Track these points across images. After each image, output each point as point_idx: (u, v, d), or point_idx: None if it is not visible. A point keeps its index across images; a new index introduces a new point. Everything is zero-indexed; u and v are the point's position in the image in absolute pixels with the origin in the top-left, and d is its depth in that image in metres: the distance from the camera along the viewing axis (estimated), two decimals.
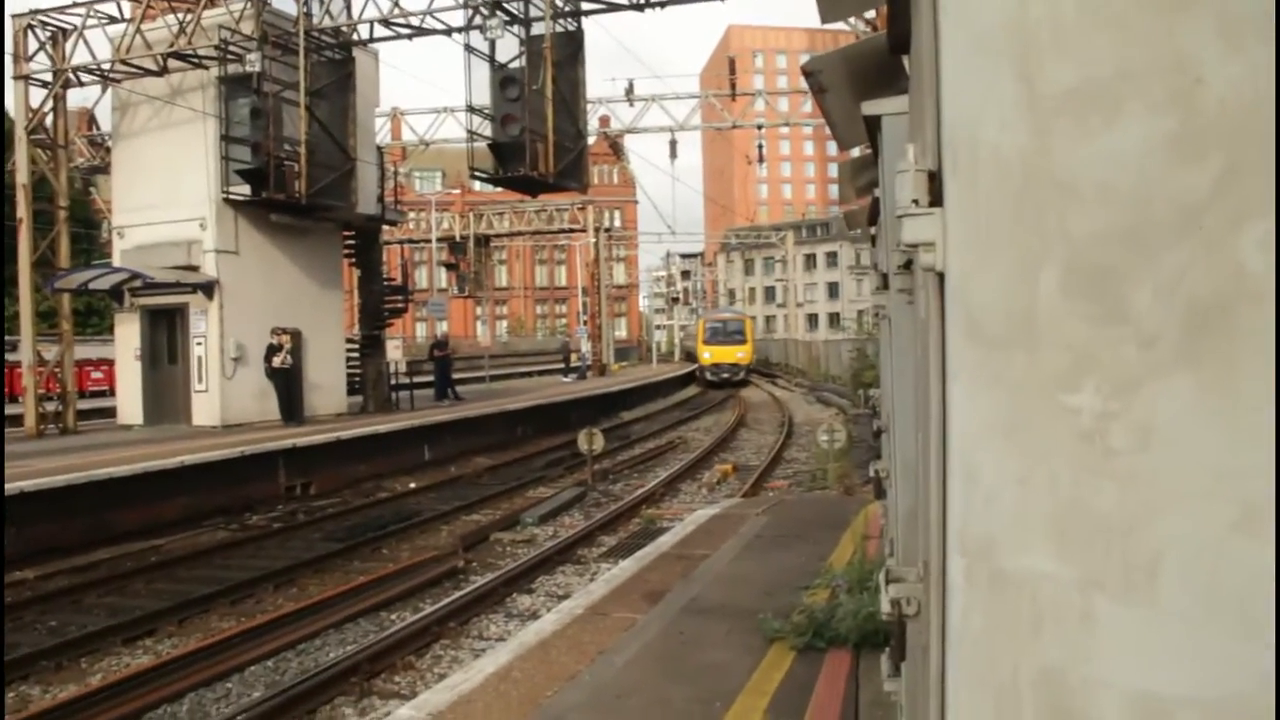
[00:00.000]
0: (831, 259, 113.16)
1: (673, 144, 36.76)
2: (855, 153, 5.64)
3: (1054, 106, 1.42)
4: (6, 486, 13.93)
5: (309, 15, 21.42)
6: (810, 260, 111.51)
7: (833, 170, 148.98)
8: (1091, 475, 1.39)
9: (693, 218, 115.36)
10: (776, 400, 43.26)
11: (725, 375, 52.86)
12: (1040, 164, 1.43)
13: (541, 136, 19.32)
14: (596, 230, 50.08)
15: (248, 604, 11.74)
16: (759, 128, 38.83)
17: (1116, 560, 1.37)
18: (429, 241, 52.56)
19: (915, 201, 1.63)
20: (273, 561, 13.71)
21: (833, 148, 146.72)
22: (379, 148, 27.60)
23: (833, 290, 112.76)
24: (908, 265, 2.75)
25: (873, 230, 6.95)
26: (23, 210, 23.17)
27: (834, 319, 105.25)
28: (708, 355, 54.55)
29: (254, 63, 21.02)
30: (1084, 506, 1.40)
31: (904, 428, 3.53)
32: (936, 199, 1.62)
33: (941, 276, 1.59)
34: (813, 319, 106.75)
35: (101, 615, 11.31)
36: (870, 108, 3.64)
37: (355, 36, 22.47)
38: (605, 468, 21.23)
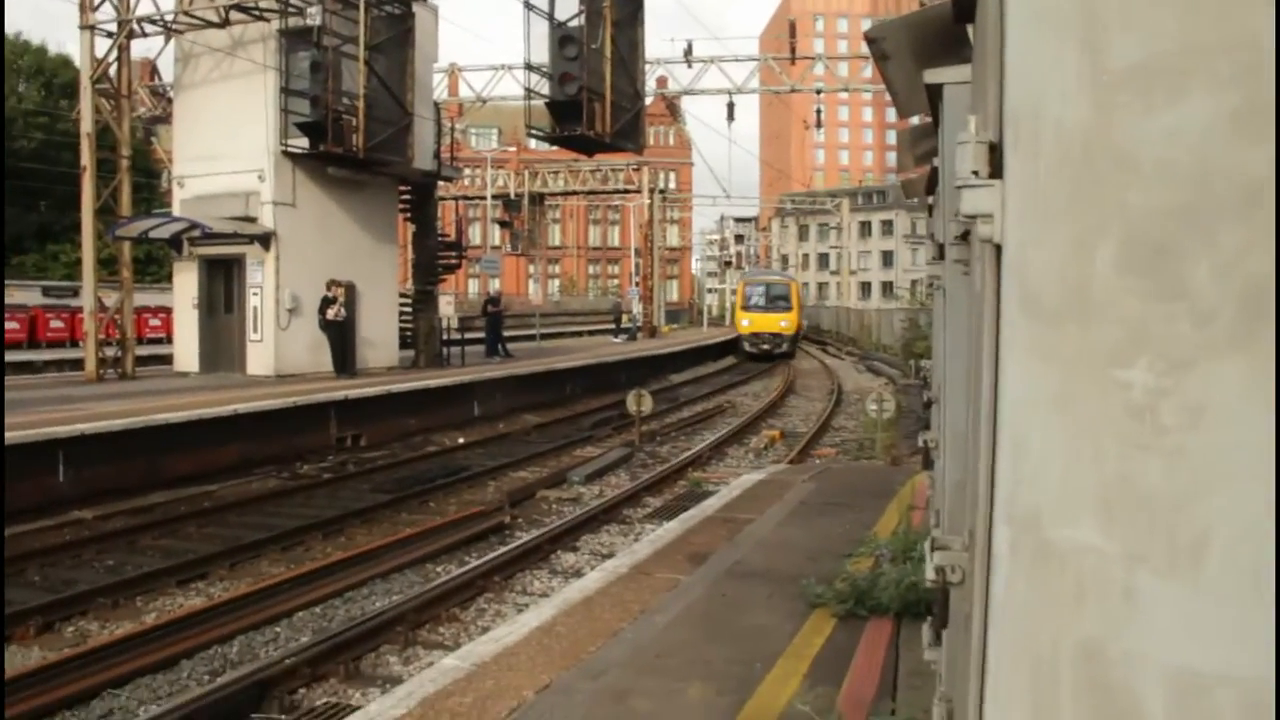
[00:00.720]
0: (887, 227, 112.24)
1: (730, 107, 36.61)
2: (915, 121, 5.59)
3: (1118, 81, 1.42)
4: (68, 428, 14.26)
5: None
6: (865, 228, 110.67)
7: (891, 137, 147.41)
8: (1140, 451, 1.40)
9: (748, 181, 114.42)
10: (826, 368, 43.12)
11: (766, 347, 46.14)
12: (1102, 139, 1.43)
13: (599, 96, 19.29)
14: (651, 191, 49.98)
15: (297, 551, 11.93)
16: (818, 92, 38.55)
17: (1162, 536, 1.38)
18: (484, 198, 52.75)
19: (975, 173, 1.64)
20: (322, 511, 13.92)
21: (892, 114, 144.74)
22: (436, 103, 27.67)
23: (887, 259, 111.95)
24: (965, 236, 2.74)
25: (930, 200, 6.90)
26: (86, 158, 23.46)
27: (887, 288, 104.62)
28: (746, 323, 47.96)
29: (314, 16, 21.15)
30: (1131, 482, 1.41)
31: (955, 399, 3.52)
32: (996, 171, 1.62)
33: (999, 249, 1.60)
34: (865, 287, 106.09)
35: (156, 557, 11.55)
36: (932, 76, 3.61)
37: None
38: (653, 429, 21.30)
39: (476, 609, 9.61)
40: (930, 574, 2.01)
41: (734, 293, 68.89)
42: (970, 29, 3.41)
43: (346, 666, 7.86)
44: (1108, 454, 1.42)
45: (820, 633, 6.32)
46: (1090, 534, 1.43)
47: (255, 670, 7.51)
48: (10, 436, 13.33)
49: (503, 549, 11.61)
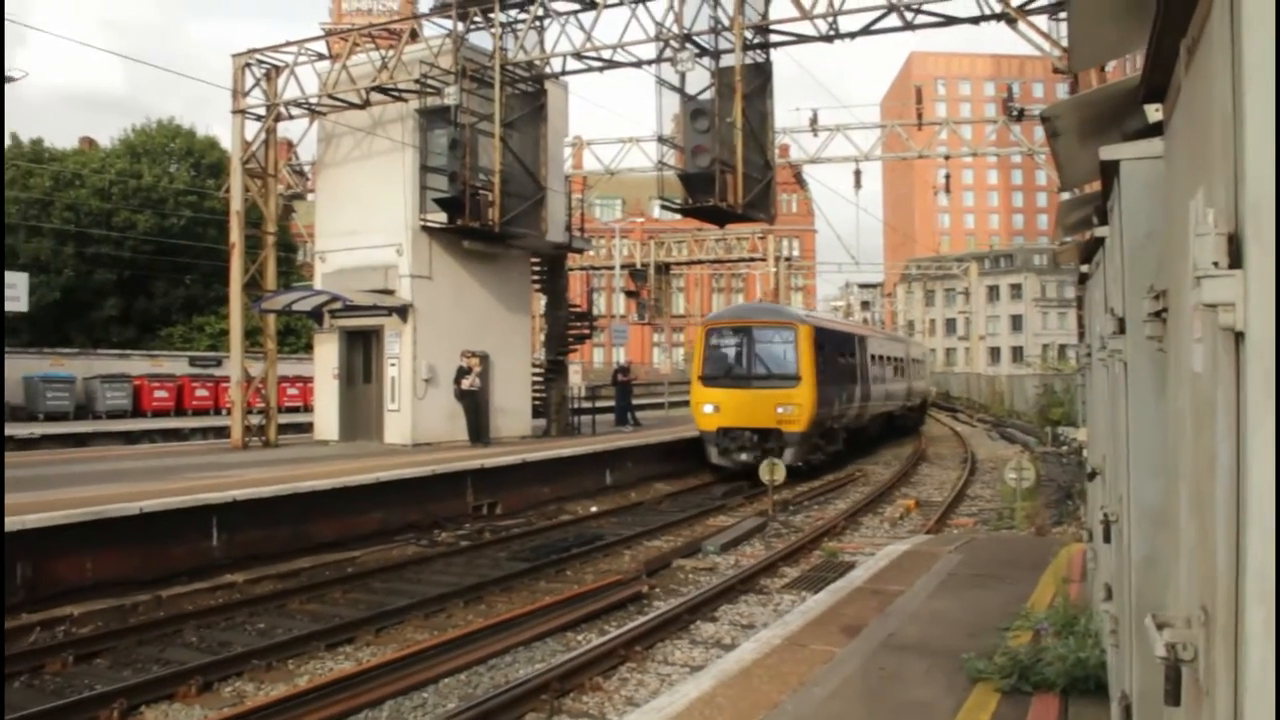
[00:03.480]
0: (1016, 291, 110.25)
1: (857, 174, 36.60)
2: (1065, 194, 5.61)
3: None
4: (220, 494, 14.81)
5: (504, 50, 22.13)
6: (993, 292, 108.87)
7: (1017, 199, 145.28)
8: None
9: (873, 246, 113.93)
10: (958, 435, 42.39)
11: (747, 456, 24.63)
12: None
13: (731, 167, 19.51)
14: (776, 260, 50.05)
15: (439, 618, 12.11)
16: (945, 157, 38.32)
17: None
18: (610, 268, 53.41)
19: (1215, 264, 1.69)
20: (461, 578, 14.15)
21: (1018, 177, 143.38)
22: (565, 176, 28.28)
23: (1016, 323, 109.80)
24: (1159, 314, 2.76)
25: (1084, 268, 6.85)
26: (235, 235, 24.55)
27: (1016, 353, 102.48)
28: (709, 409, 25.76)
29: (452, 95, 21.85)
30: None
31: (1141, 473, 3.51)
32: (1235, 261, 1.67)
33: (1239, 335, 1.65)
34: (994, 352, 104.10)
35: (305, 621, 11.88)
36: (1109, 152, 3.66)
37: (548, 69, 23.10)
38: (785, 498, 21.20)
39: (619, 678, 9.62)
40: (1160, 651, 2.02)
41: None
42: (1149, 109, 3.45)
43: None
44: None
45: (984, 708, 6.22)
46: None
47: None
48: (167, 502, 13.95)
49: (642, 618, 11.65)
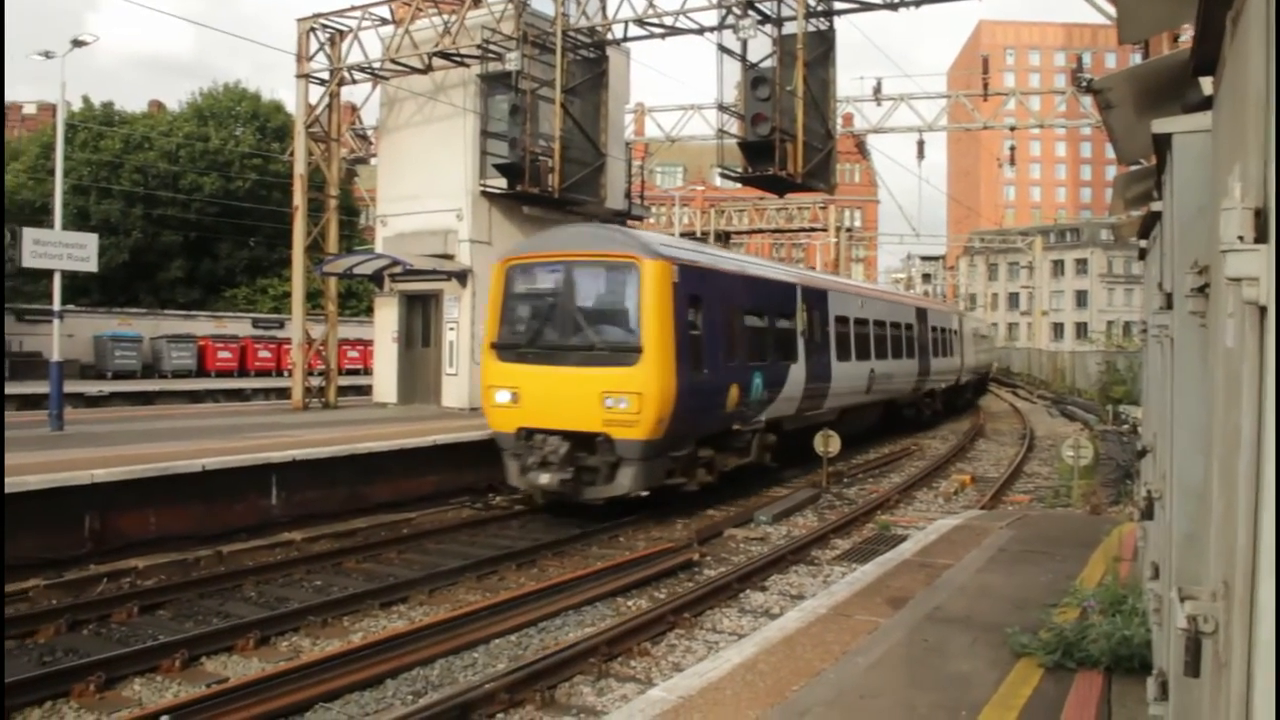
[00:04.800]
0: (1081, 266, 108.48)
1: (920, 145, 36.19)
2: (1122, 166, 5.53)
3: None
4: (280, 454, 15.08)
5: (566, 15, 22.10)
6: (1058, 267, 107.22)
7: (1086, 173, 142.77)
8: None
9: (935, 219, 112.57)
10: (1017, 411, 41.94)
11: (548, 479, 15.34)
12: None
13: (791, 136, 19.38)
14: (838, 230, 49.69)
15: (491, 580, 12.29)
16: (1011, 129, 37.77)
17: None
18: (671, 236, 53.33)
19: (1240, 238, 1.69)
20: (515, 541, 14.36)
21: (1086, 150, 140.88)
22: (626, 143, 28.24)
23: (1081, 298, 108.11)
24: (1202, 289, 2.74)
25: (1143, 243, 6.77)
26: (298, 198, 24.83)
27: (1081, 329, 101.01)
28: (504, 397, 16.36)
29: (513, 61, 21.87)
30: None
31: (1185, 451, 3.49)
32: (1262, 235, 1.67)
33: (1263, 310, 1.65)
34: (1058, 328, 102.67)
35: (360, 579, 12.11)
36: (1160, 126, 3.62)
37: (609, 35, 23.04)
38: (839, 470, 21.15)
39: (667, 644, 9.72)
40: (1180, 623, 2.03)
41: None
42: (1204, 81, 3.41)
43: (543, 694, 8.07)
44: None
45: (1027, 683, 6.22)
46: None
47: (457, 693, 7.82)
48: (229, 460, 14.26)
49: (692, 586, 11.75)
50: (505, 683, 7.98)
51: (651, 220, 51.23)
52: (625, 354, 15.31)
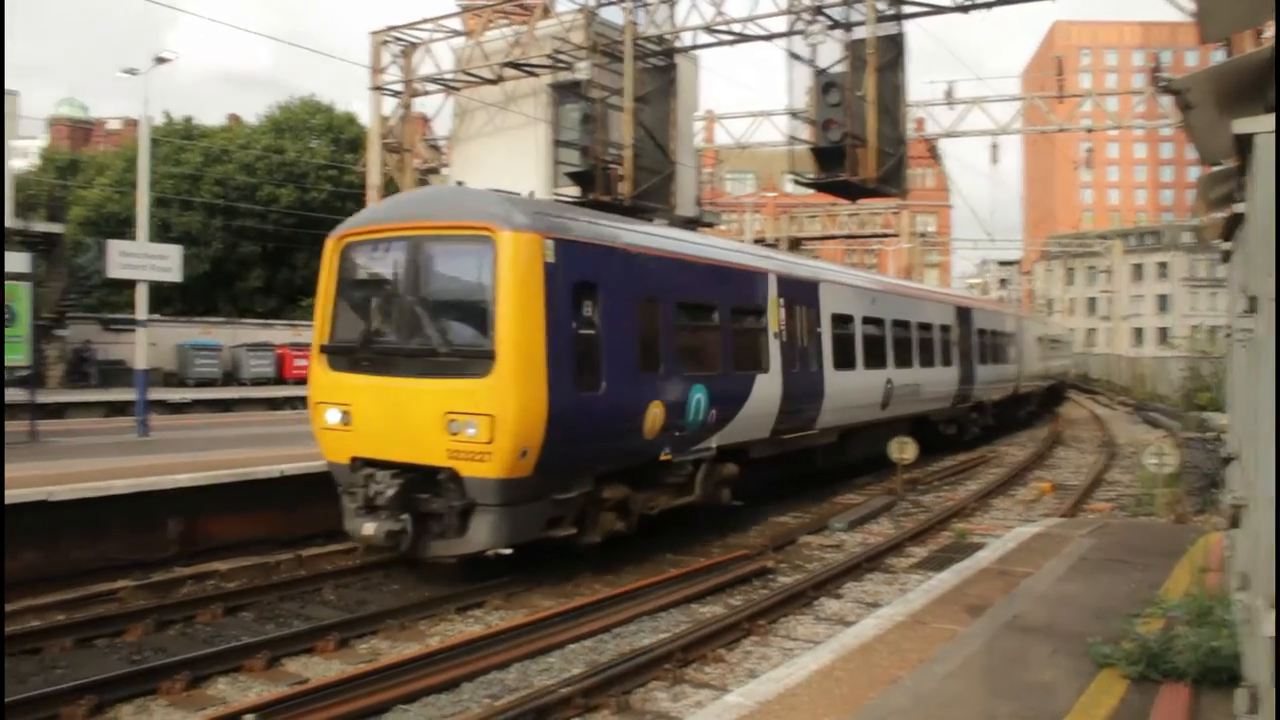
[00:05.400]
0: (1162, 270, 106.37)
1: (994, 149, 35.75)
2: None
3: None
4: None
5: (635, 24, 22.17)
6: (1138, 271, 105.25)
7: (1166, 174, 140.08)
8: None
9: (1010, 223, 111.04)
10: (1097, 418, 41.26)
11: (372, 529, 11.28)
12: None
13: (862, 141, 19.23)
14: (911, 235, 49.27)
15: (567, 586, 12.31)
16: (1087, 131, 37.16)
17: None
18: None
19: None
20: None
21: (1167, 150, 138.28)
22: (696, 150, 28.26)
23: (1162, 303, 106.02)
24: None
25: (1226, 245, 6.64)
26: None
27: (1162, 334, 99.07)
28: (335, 416, 12.28)
29: (583, 70, 22.02)
30: None
31: (1271, 457, 3.43)
32: None
33: None
34: (1138, 333, 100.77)
35: (439, 584, 12.21)
36: (1242, 126, 3.55)
37: (678, 43, 23.07)
38: (915, 477, 20.95)
39: (742, 651, 9.68)
40: (1269, 632, 2.00)
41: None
42: None
43: (618, 699, 8.08)
44: None
45: (1110, 694, 6.11)
46: None
47: (532, 696, 7.88)
48: (306, 466, 14.49)
49: (766, 593, 11.72)
50: (580, 687, 8.02)
51: (723, 227, 51.24)
52: (473, 361, 11.35)
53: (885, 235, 51.70)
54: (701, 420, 14.17)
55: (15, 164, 42.63)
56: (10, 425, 19.58)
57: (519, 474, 11.17)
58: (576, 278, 11.95)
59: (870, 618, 8.29)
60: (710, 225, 30.04)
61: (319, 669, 9.14)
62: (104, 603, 11.07)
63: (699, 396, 14.05)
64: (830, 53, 20.14)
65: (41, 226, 31.81)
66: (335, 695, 7.94)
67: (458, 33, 25.01)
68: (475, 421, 10.99)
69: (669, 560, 13.74)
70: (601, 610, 10.81)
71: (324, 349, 12.77)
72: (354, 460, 12.06)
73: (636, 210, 23.10)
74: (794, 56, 20.25)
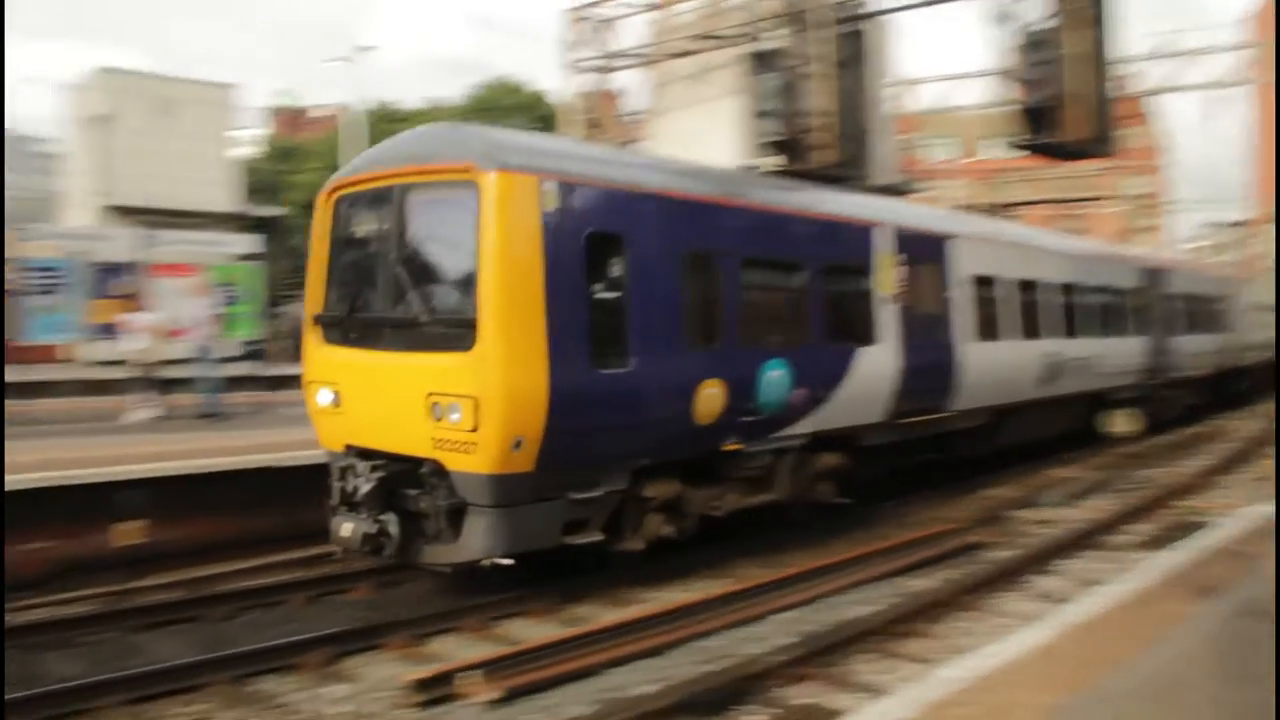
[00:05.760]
0: None
1: (1215, 103, 33.74)
2: None
3: None
4: None
5: None
6: None
7: None
8: None
9: (1234, 181, 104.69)
10: None
11: (349, 530, 9.80)
12: None
13: (1071, 100, 18.46)
14: (1125, 199, 47.09)
15: (773, 557, 12.25)
16: None
17: None
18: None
19: None
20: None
21: None
22: (892, 116, 27.71)
23: None
24: None
25: None
26: None
27: None
28: (326, 397, 10.63)
29: (778, 39, 21.82)
30: None
31: None
32: None
33: None
34: None
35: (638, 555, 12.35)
36: None
37: (871, 7, 22.62)
38: (1132, 450, 20.04)
39: (948, 626, 9.52)
40: None
41: None
42: None
43: (824, 670, 8.08)
44: None
45: None
46: None
47: (738, 664, 8.01)
48: None
49: (975, 568, 11.51)
50: (786, 658, 8.07)
51: (928, 194, 50.16)
52: (455, 332, 9.48)
53: (1095, 198, 49.50)
54: (780, 402, 11.91)
55: (241, 152, 45.17)
56: (239, 397, 20.91)
57: (514, 469, 9.26)
58: (591, 229, 9.87)
59: (1089, 596, 8.01)
60: (907, 192, 29.44)
61: (533, 631, 9.44)
62: (327, 563, 11.70)
63: (776, 374, 11.82)
64: (1033, 8, 19.41)
65: (262, 211, 33.50)
66: (549, 656, 8.23)
67: (650, 6, 25.13)
68: (459, 405, 9.12)
69: (877, 533, 13.51)
70: (808, 581, 10.80)
71: (317, 319, 11.03)
72: (347, 448, 10.38)
73: (834, 179, 22.82)
74: (995, 14, 19.56)
